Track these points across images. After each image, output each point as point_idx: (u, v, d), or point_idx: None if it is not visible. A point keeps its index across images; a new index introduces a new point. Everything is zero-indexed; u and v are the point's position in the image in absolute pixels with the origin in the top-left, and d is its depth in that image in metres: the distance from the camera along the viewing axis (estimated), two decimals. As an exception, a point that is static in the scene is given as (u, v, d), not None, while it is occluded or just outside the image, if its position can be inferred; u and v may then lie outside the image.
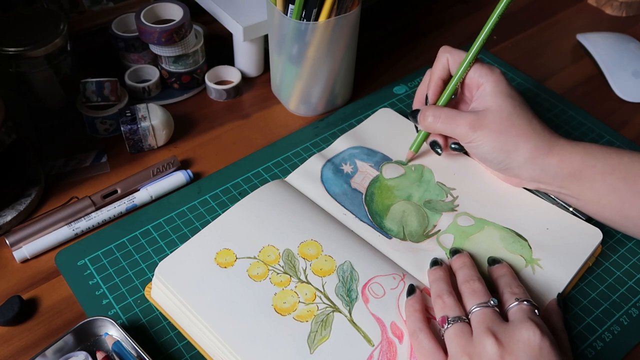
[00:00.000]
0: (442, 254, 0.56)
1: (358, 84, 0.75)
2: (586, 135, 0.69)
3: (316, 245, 0.55)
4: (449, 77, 0.61)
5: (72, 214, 0.59)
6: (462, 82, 0.60)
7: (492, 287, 0.51)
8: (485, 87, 0.58)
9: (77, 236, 0.59)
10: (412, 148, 0.63)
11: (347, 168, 0.63)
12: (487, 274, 0.54)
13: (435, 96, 0.61)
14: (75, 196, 0.62)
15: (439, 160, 0.63)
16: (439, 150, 0.61)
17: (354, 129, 0.67)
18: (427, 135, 0.62)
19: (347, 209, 0.59)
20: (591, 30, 0.84)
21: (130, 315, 0.52)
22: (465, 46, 0.81)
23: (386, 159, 0.64)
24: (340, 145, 0.65)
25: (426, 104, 0.62)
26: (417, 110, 0.61)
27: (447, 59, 0.61)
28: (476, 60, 0.59)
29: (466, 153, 0.63)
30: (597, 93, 0.76)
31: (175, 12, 0.71)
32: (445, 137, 0.61)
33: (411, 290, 0.51)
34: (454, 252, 0.55)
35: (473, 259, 0.55)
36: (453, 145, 0.60)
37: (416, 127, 0.63)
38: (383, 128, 0.67)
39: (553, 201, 0.60)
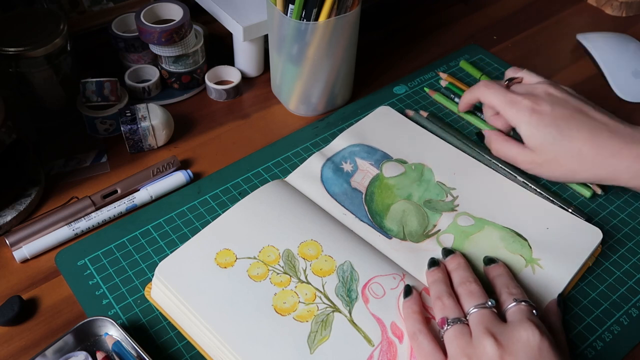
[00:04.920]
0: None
1: (358, 84, 0.75)
2: (586, 135, 0.69)
3: (316, 245, 0.55)
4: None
5: (72, 214, 0.59)
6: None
7: (488, 287, 0.51)
8: (519, 130, 0.60)
9: (77, 236, 0.59)
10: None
11: (347, 167, 0.63)
12: (483, 274, 0.54)
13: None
14: (75, 196, 0.62)
15: (439, 160, 0.63)
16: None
17: (354, 125, 0.67)
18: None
19: (347, 208, 0.59)
20: (591, 30, 0.84)
21: (130, 315, 0.52)
22: (465, 46, 0.81)
23: (386, 157, 0.64)
24: (340, 142, 0.65)
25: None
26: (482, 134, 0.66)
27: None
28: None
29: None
30: (597, 93, 0.76)
31: (175, 12, 0.71)
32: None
33: (408, 291, 0.51)
34: (447, 252, 0.55)
35: (473, 259, 0.55)
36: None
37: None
38: (383, 126, 0.67)
39: (553, 201, 0.61)
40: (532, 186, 0.62)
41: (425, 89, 0.74)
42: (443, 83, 0.75)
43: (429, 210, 0.59)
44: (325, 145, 0.66)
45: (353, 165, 0.63)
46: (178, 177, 0.63)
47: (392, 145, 0.65)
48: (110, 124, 0.68)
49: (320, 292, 0.52)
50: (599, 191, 0.62)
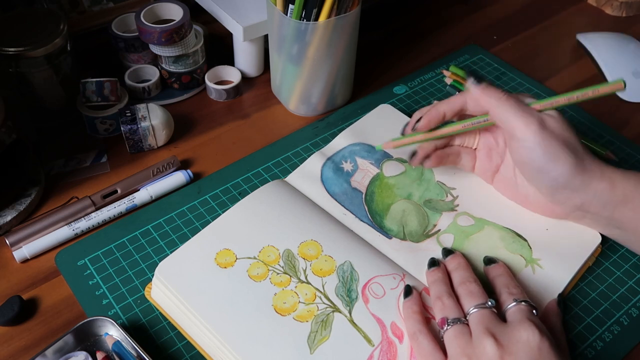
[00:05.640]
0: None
1: (358, 84, 0.75)
2: (586, 135, 0.69)
3: (316, 245, 0.55)
4: (453, 116, 0.56)
5: (72, 214, 0.59)
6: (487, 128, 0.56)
7: (488, 287, 0.51)
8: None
9: (77, 236, 0.59)
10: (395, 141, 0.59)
11: (347, 166, 0.63)
12: (483, 274, 0.54)
13: (429, 126, 0.56)
14: (75, 196, 0.62)
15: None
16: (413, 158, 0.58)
17: (354, 124, 0.67)
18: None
19: (347, 208, 0.59)
20: (591, 30, 0.84)
21: (130, 315, 0.52)
22: (464, 47, 0.81)
23: (387, 156, 0.64)
24: (340, 141, 0.65)
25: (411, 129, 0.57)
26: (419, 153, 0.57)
27: (466, 101, 0.55)
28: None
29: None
30: (597, 93, 0.76)
31: (175, 12, 0.71)
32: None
33: (408, 291, 0.51)
34: (447, 252, 0.55)
35: (473, 259, 0.55)
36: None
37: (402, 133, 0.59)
38: (383, 124, 0.67)
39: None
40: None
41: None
42: (448, 81, 0.75)
43: (429, 210, 0.59)
44: (325, 145, 0.66)
45: (353, 164, 0.63)
46: (178, 177, 0.63)
47: (392, 145, 0.65)
48: (110, 124, 0.68)
49: (320, 292, 0.52)
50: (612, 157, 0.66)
